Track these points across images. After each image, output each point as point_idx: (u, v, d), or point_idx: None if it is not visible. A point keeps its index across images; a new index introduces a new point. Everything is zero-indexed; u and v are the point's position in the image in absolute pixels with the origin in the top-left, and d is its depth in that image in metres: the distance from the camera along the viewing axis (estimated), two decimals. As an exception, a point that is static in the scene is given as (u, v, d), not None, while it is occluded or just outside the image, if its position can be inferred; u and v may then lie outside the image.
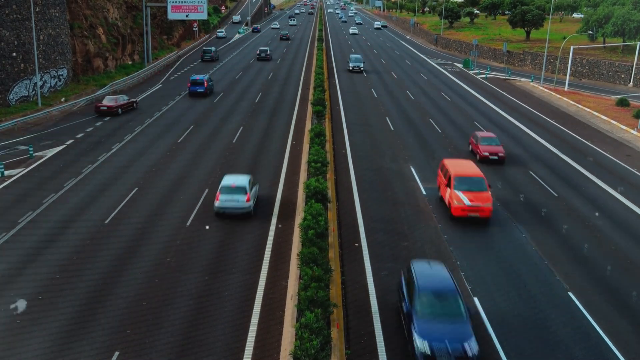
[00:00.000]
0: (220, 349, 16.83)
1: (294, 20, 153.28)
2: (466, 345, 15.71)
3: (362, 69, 73.01)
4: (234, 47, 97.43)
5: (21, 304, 18.75)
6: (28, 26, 47.15)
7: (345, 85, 63.78)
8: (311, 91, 50.99)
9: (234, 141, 39.15)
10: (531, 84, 69.56)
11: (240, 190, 25.54)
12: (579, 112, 53.67)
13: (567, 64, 69.89)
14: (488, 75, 75.72)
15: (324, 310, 15.28)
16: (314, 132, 32.27)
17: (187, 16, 75.00)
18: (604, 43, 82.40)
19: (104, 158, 34.53)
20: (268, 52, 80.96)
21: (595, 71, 74.13)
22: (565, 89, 65.06)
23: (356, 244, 23.99)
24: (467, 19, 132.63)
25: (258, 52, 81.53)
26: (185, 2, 72.91)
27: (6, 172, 31.33)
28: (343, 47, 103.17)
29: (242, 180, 26.22)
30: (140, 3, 75.41)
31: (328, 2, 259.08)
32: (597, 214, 28.51)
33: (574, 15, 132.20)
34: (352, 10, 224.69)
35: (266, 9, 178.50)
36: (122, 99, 47.68)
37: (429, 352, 15.60)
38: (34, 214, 25.96)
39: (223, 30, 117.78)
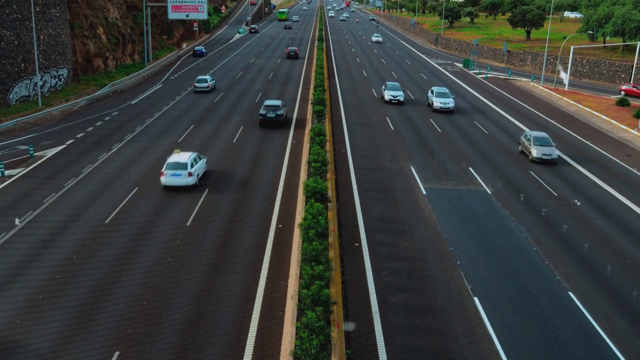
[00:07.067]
0: (220, 348, 16.84)
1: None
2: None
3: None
4: (233, 47, 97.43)
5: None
6: (28, 26, 47.16)
7: (346, 85, 63.76)
8: (311, 91, 50.97)
9: (234, 141, 39.15)
10: (531, 83, 69.56)
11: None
12: (579, 112, 53.66)
13: (567, 63, 69.85)
14: (488, 75, 75.70)
15: (325, 309, 15.27)
16: (314, 131, 32.28)
17: (187, 16, 75.04)
18: (604, 43, 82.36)
19: (104, 158, 34.52)
20: None
21: (596, 71, 74.10)
22: (566, 88, 65.06)
23: (356, 244, 23.99)
24: (468, 19, 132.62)
25: None
26: (185, 2, 72.93)
27: (6, 172, 31.33)
28: (343, 45, 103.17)
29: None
30: (141, 3, 75.40)
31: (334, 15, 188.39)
32: (597, 213, 28.55)
33: (567, 14, 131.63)
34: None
35: (266, 9, 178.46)
36: None
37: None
38: (34, 214, 25.97)
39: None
